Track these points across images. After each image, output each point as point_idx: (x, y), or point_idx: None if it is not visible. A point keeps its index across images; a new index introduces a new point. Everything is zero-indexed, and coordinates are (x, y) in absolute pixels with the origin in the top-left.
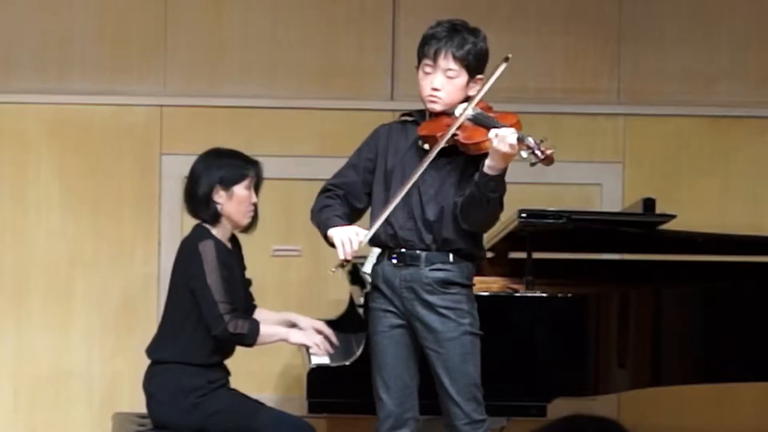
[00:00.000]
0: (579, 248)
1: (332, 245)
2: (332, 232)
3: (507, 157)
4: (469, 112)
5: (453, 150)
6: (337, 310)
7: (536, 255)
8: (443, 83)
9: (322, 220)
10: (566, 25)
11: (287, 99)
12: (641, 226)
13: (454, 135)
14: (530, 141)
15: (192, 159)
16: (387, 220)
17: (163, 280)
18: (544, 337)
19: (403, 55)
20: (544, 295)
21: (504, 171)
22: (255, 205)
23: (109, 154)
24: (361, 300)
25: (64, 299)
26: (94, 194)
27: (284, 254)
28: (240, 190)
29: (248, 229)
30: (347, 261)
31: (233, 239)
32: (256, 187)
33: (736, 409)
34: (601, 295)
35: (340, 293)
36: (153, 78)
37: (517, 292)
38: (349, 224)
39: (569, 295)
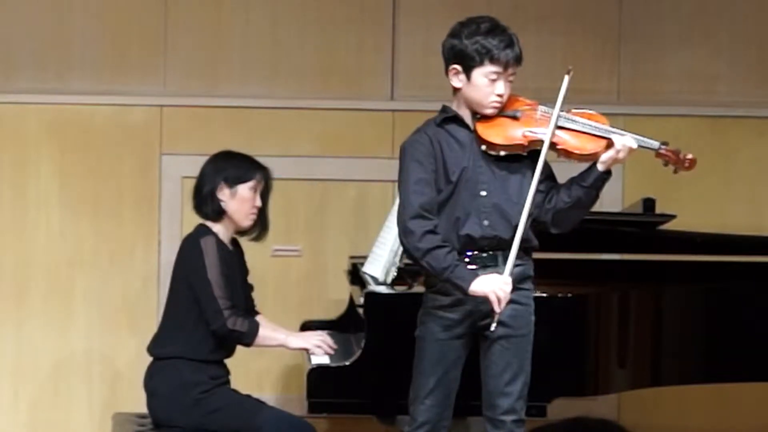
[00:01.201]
0: (579, 248)
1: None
2: (482, 288)
3: (621, 162)
4: (562, 121)
5: (518, 153)
6: (337, 310)
7: (536, 255)
8: (506, 88)
9: (445, 268)
10: (566, 25)
11: (287, 99)
12: (641, 226)
13: (553, 143)
14: (661, 148)
15: (192, 159)
16: (461, 230)
17: (163, 279)
18: (544, 337)
19: (403, 55)
20: (544, 295)
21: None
22: (260, 209)
23: (109, 154)
24: (361, 300)
25: (64, 299)
26: (94, 194)
27: (284, 254)
28: (244, 190)
29: (258, 237)
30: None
31: (235, 243)
32: (264, 193)
33: (736, 409)
34: (601, 295)
35: (340, 293)
36: (153, 78)
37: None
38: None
39: (569, 295)
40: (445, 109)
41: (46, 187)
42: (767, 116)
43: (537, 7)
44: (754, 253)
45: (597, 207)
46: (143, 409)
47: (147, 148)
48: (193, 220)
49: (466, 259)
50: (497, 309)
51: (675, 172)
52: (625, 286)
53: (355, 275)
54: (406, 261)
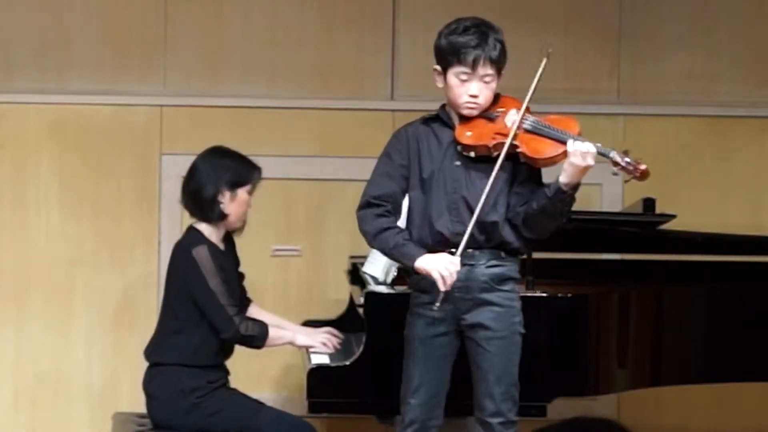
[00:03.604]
0: (579, 248)
1: (416, 272)
2: (425, 265)
3: (583, 171)
4: (526, 124)
5: (487, 155)
6: (337, 310)
7: (536, 255)
8: (480, 89)
9: (393, 247)
10: (566, 25)
11: (287, 99)
12: (641, 226)
13: (514, 146)
14: (616, 156)
15: (192, 159)
16: (434, 227)
17: (163, 279)
18: (544, 337)
19: (403, 56)
20: (544, 295)
21: (579, 183)
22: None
23: (109, 154)
24: (362, 300)
25: (64, 299)
26: (94, 194)
27: (284, 254)
28: (243, 193)
29: (237, 232)
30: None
31: (226, 238)
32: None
33: (736, 409)
34: (601, 295)
35: (340, 293)
36: (153, 78)
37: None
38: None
39: (569, 295)
40: (443, 107)
41: (46, 187)
42: (767, 116)
43: (537, 7)
44: (754, 253)
45: (597, 207)
46: (143, 409)
47: (147, 148)
48: (193, 220)
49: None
50: (441, 287)
51: (625, 181)
52: (625, 286)
53: (355, 275)
54: None
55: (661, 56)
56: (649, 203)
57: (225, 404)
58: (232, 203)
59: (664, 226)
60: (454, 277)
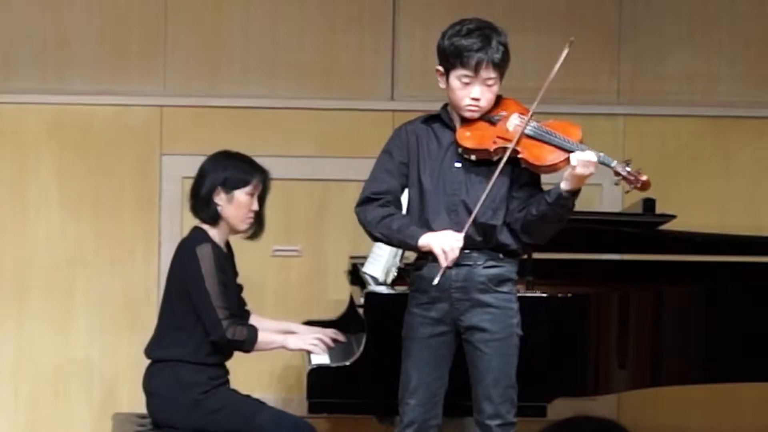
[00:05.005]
0: (579, 248)
1: (421, 252)
2: (429, 241)
3: (585, 179)
4: (528, 130)
5: (488, 159)
6: (337, 310)
7: (536, 255)
8: (483, 92)
9: (396, 230)
10: (566, 25)
11: (287, 99)
12: (641, 226)
13: (516, 151)
14: (618, 166)
15: (192, 159)
16: (432, 227)
17: (163, 279)
18: (544, 337)
19: (403, 56)
20: (544, 295)
21: (579, 190)
22: (257, 213)
23: (109, 154)
24: (362, 300)
25: (64, 299)
26: (94, 194)
27: (284, 254)
28: (241, 195)
29: (254, 236)
30: (450, 267)
31: (228, 244)
32: (261, 196)
33: (736, 409)
34: (601, 295)
35: (340, 293)
36: (153, 78)
37: (517, 292)
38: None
39: (569, 295)
40: (444, 108)
41: (46, 187)
42: (767, 116)
43: (537, 6)
44: (754, 253)
45: (597, 207)
46: (143, 409)
47: (147, 148)
48: (193, 220)
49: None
50: (443, 262)
51: (626, 191)
52: (625, 286)
53: (355, 275)
54: (406, 261)
55: (661, 56)
56: (649, 204)
57: (225, 402)
58: (229, 205)
59: (664, 226)
60: (456, 253)
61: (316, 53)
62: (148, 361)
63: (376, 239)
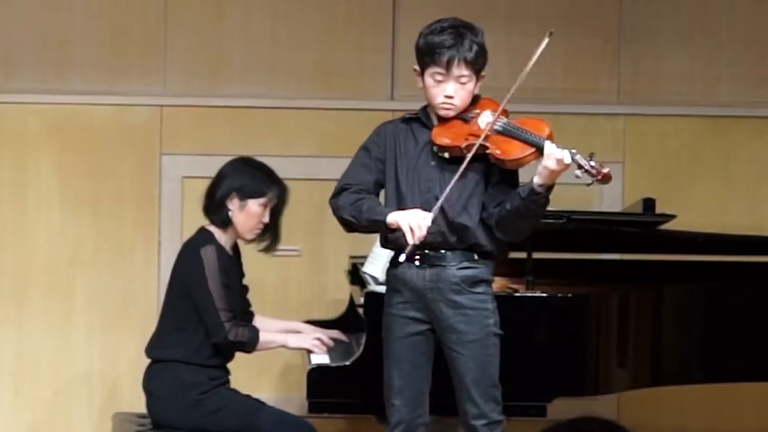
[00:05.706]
0: (579, 248)
1: (389, 230)
2: (397, 218)
3: (557, 174)
4: (498, 125)
5: (474, 156)
6: (337, 310)
7: (536, 255)
8: (456, 90)
9: (366, 210)
10: (566, 25)
11: (287, 99)
12: (641, 226)
13: (484, 147)
14: (581, 159)
15: (192, 159)
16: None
17: (163, 280)
18: (544, 337)
19: (403, 55)
20: (544, 295)
21: (552, 186)
22: (269, 225)
23: (109, 154)
24: (362, 300)
25: (64, 299)
26: (94, 194)
27: (284, 254)
28: (254, 205)
29: (267, 249)
30: (416, 246)
31: (235, 247)
32: (277, 209)
33: (736, 409)
34: (601, 295)
35: (340, 293)
36: (153, 78)
37: (517, 292)
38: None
39: (569, 295)
40: (424, 108)
41: (46, 187)
42: (767, 116)
43: (537, 7)
44: (754, 253)
45: (597, 207)
46: (143, 409)
47: (147, 148)
48: (193, 220)
49: (416, 257)
50: (410, 240)
51: (588, 184)
52: (625, 286)
53: (355, 275)
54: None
55: (661, 56)
56: (649, 203)
57: (226, 402)
58: (241, 212)
59: (664, 226)
60: (424, 231)
61: (315, 53)
62: (148, 361)
63: (346, 223)
